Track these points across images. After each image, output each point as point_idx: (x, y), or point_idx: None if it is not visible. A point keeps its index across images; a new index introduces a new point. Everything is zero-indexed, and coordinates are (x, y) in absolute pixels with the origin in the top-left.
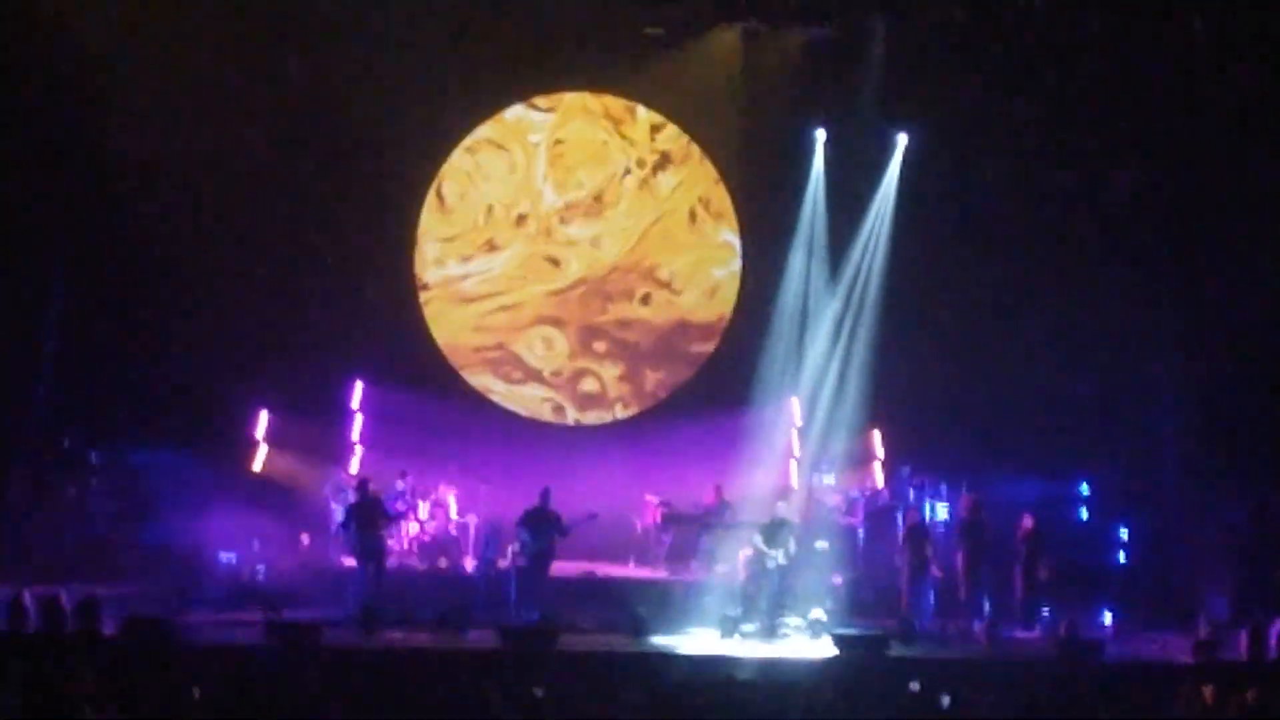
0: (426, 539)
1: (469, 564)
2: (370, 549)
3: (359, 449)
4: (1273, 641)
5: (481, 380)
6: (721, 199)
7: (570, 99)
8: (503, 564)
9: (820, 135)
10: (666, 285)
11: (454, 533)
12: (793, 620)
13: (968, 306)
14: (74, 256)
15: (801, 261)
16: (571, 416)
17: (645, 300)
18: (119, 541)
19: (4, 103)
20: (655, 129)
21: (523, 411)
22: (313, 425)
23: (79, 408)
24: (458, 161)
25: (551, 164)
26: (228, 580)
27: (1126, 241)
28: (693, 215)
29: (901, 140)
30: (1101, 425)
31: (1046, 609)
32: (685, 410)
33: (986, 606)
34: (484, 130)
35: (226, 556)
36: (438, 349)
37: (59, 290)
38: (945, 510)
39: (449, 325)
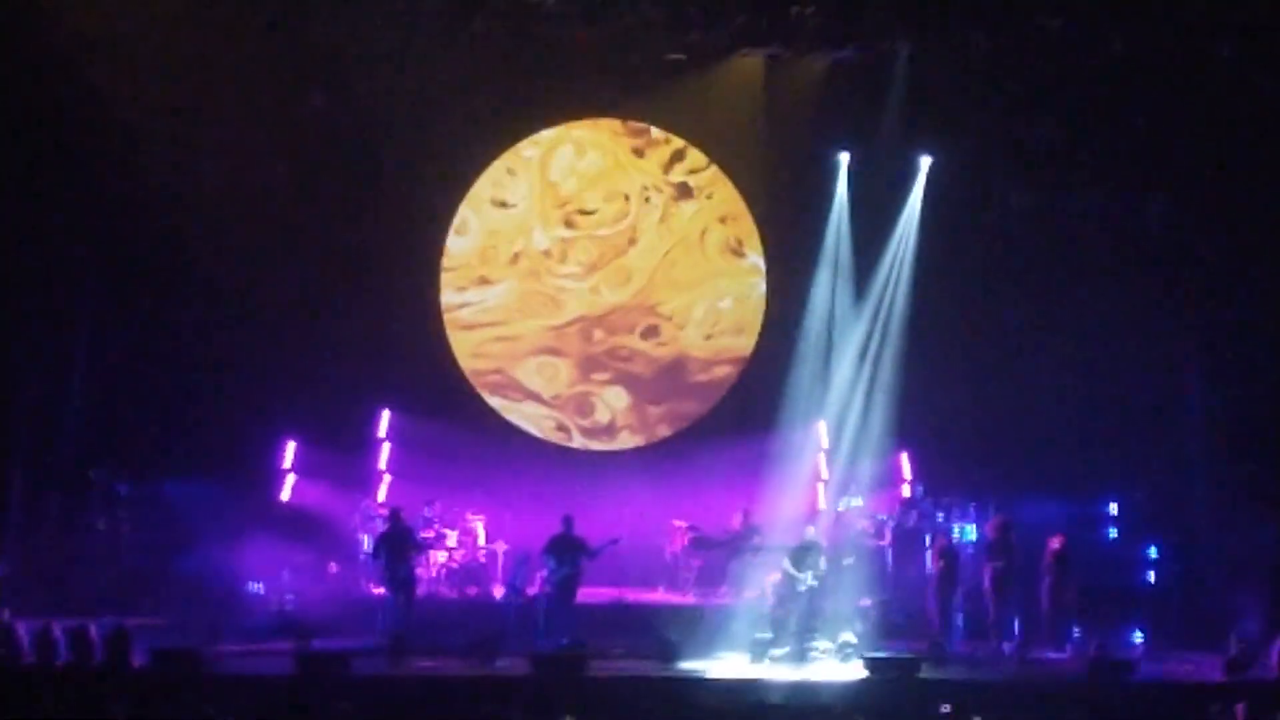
0: (455, 567)
1: (498, 591)
2: (400, 578)
3: (386, 478)
4: None
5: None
6: (744, 225)
7: (589, 134)
8: (531, 591)
9: (844, 159)
10: (670, 319)
11: (482, 560)
12: (822, 643)
13: (993, 328)
14: (102, 289)
15: (826, 285)
16: (578, 441)
17: (652, 332)
18: (148, 573)
19: (33, 136)
20: (675, 158)
21: (533, 430)
22: (340, 454)
23: (107, 440)
24: (478, 191)
25: (565, 198)
26: (257, 611)
27: (1151, 261)
28: (716, 244)
29: (925, 163)
30: (1129, 445)
31: (1076, 629)
32: (712, 435)
33: (1016, 627)
34: (504, 161)
35: (255, 587)
36: (464, 377)
37: (87, 322)
38: (974, 531)
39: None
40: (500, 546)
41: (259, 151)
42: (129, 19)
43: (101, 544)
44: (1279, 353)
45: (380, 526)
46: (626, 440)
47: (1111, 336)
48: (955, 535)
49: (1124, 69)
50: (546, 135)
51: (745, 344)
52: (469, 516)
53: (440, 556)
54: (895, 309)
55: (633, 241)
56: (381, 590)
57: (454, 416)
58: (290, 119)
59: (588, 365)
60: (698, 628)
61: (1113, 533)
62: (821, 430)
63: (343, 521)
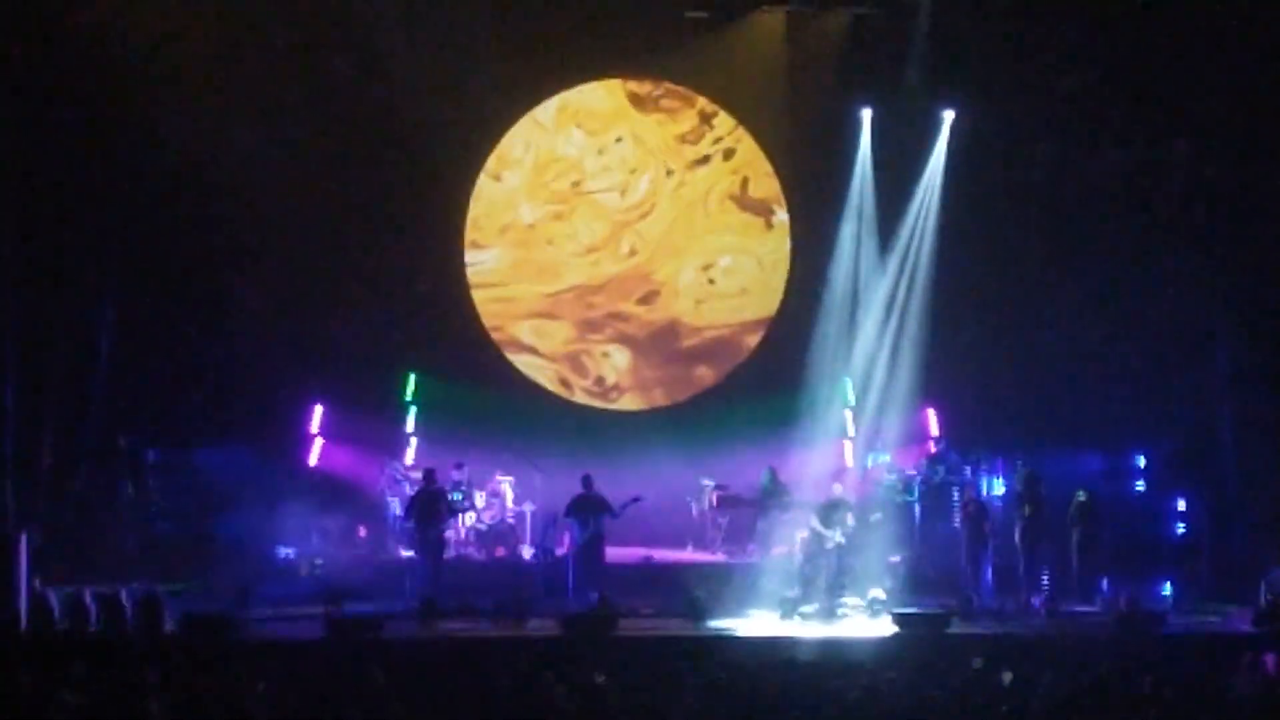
0: (484, 529)
1: (526, 552)
2: (429, 540)
3: (414, 441)
4: None
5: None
6: (767, 183)
7: (605, 100)
8: (560, 551)
9: (867, 115)
10: (687, 280)
11: (511, 521)
12: (852, 600)
13: (1019, 281)
14: (127, 256)
15: (851, 241)
16: (580, 397)
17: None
18: (178, 539)
19: (54, 106)
20: (696, 118)
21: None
22: (367, 418)
23: (136, 407)
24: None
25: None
26: (287, 575)
27: (1177, 213)
28: (736, 202)
29: (948, 117)
30: (1157, 397)
31: (1105, 583)
32: (738, 393)
33: (1045, 581)
34: (522, 130)
35: (285, 551)
36: (490, 340)
37: (114, 290)
38: (1001, 486)
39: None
40: (528, 508)
41: (280, 119)
42: None
43: (131, 511)
44: None
45: (410, 489)
46: (630, 402)
47: (1138, 288)
48: (983, 490)
49: (1147, 18)
50: (570, 99)
51: (770, 302)
52: (497, 478)
53: (469, 518)
54: (920, 264)
55: (645, 215)
56: (410, 553)
57: (481, 378)
58: (313, 85)
59: (594, 326)
60: (726, 586)
61: (1141, 485)
62: (848, 386)
63: (371, 485)
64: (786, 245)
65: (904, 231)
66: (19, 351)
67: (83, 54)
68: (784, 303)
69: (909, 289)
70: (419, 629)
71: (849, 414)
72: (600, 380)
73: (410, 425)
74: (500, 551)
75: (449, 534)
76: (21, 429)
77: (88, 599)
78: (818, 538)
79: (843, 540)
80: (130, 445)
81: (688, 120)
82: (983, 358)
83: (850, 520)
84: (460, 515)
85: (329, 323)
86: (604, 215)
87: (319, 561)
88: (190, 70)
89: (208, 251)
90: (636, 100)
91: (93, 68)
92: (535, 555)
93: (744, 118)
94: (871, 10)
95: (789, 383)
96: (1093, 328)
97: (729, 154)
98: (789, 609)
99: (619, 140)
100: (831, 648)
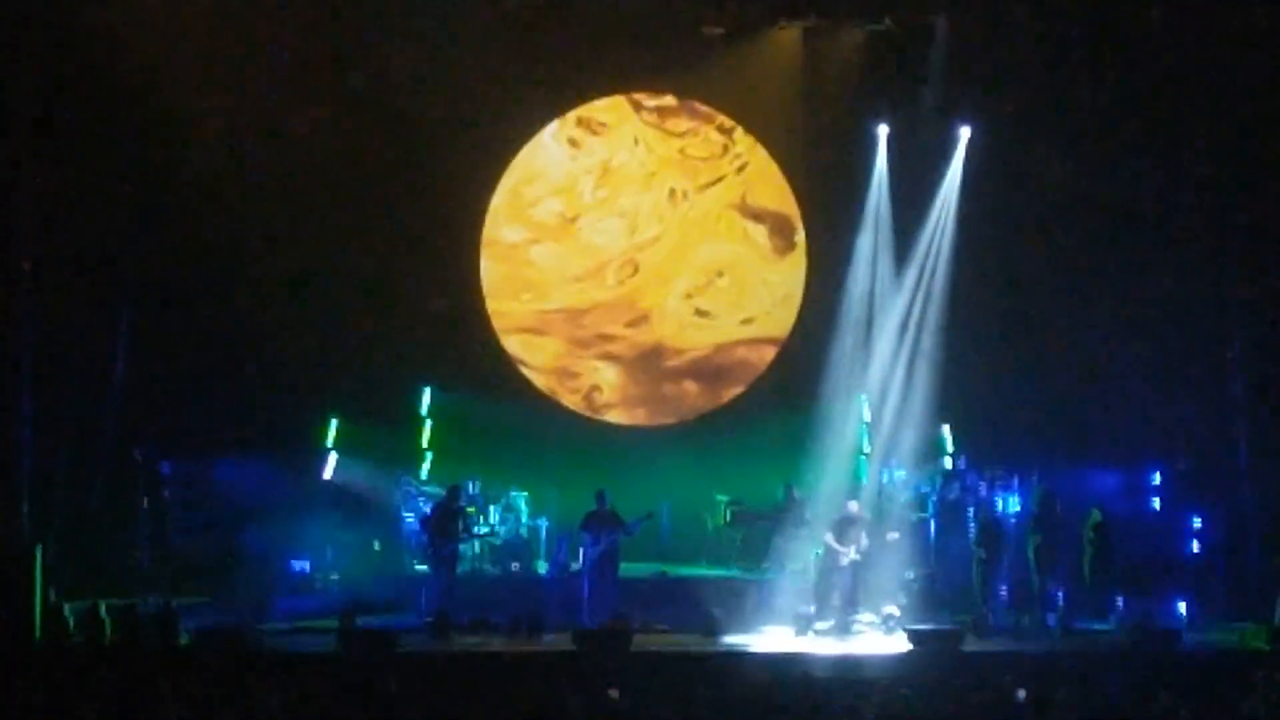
0: (498, 544)
1: (541, 568)
2: (443, 555)
3: (428, 455)
4: None
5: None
6: (783, 199)
7: (618, 118)
8: (575, 567)
9: (883, 131)
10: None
11: (525, 536)
12: (866, 617)
13: (1035, 298)
14: (143, 269)
15: (867, 257)
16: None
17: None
18: (193, 552)
19: (69, 120)
20: (710, 133)
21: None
22: (382, 432)
23: (151, 420)
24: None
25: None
26: (302, 589)
27: (1194, 229)
28: (747, 219)
29: (965, 133)
30: (1172, 414)
31: (1120, 600)
32: (754, 409)
33: (1060, 599)
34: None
35: (300, 565)
36: (505, 354)
37: (128, 303)
38: (1016, 503)
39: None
40: (543, 523)
41: (298, 131)
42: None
43: (146, 524)
44: None
45: (425, 503)
46: (617, 416)
47: (1154, 305)
48: (998, 507)
49: (1163, 35)
50: (580, 119)
51: (779, 319)
52: (512, 493)
53: (486, 534)
54: (936, 280)
55: (641, 248)
56: (425, 567)
57: (497, 393)
58: (328, 100)
59: (583, 343)
60: (741, 602)
61: (1156, 502)
62: (863, 403)
63: (385, 499)
64: (801, 262)
65: (920, 248)
66: (35, 364)
67: (98, 67)
68: (799, 319)
69: (925, 305)
70: (433, 643)
71: (864, 430)
72: (590, 396)
73: (425, 439)
74: (515, 566)
75: (464, 549)
76: (37, 442)
77: (103, 612)
78: (832, 554)
79: (857, 557)
80: (145, 458)
81: (700, 136)
82: (998, 374)
83: (865, 538)
84: (474, 537)
85: (344, 336)
86: (594, 249)
87: (334, 575)
88: (206, 85)
89: (223, 265)
90: (645, 115)
91: (109, 81)
92: (550, 570)
93: (760, 134)
94: (888, 27)
95: (805, 399)
96: (1108, 344)
97: (742, 169)
98: (804, 625)
99: (617, 163)
100: (846, 664)
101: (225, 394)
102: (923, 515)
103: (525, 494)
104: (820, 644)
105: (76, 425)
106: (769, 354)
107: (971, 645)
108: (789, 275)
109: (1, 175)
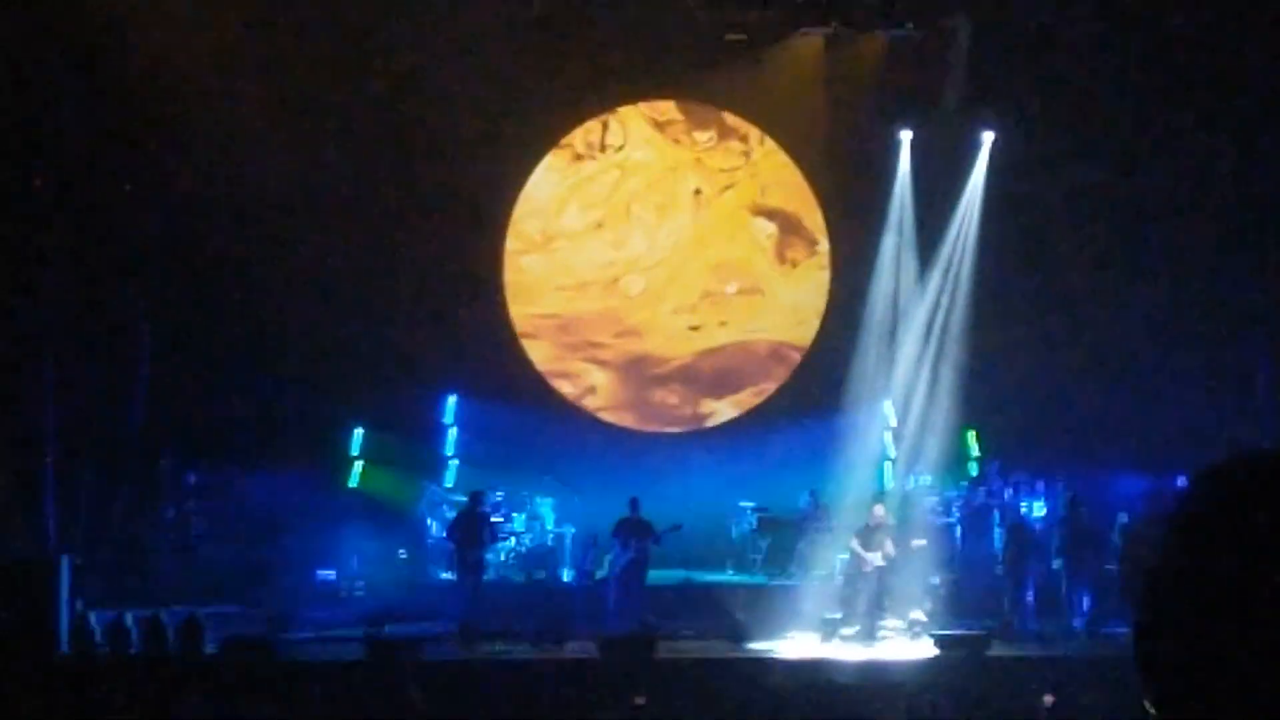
0: (523, 551)
1: (566, 575)
2: (469, 562)
3: (453, 463)
4: None
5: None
6: (807, 205)
7: (640, 130)
8: (600, 574)
9: (906, 137)
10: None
11: (551, 544)
12: (892, 622)
13: (1059, 303)
14: (166, 278)
15: (891, 263)
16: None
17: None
18: (219, 562)
19: (91, 128)
20: (731, 138)
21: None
22: (407, 440)
23: (176, 429)
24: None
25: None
26: (327, 597)
27: (1218, 233)
28: (768, 226)
29: (988, 138)
30: (1200, 418)
31: None
32: (779, 415)
33: (1086, 604)
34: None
35: (325, 574)
36: (529, 361)
37: (152, 312)
38: (1042, 508)
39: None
40: (568, 530)
41: (318, 141)
42: (186, 12)
43: (172, 533)
44: None
45: (449, 511)
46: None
47: (1179, 309)
48: (1025, 511)
49: (1185, 40)
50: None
51: (808, 325)
52: (537, 500)
53: (509, 541)
54: (960, 284)
55: (675, 244)
56: (451, 575)
57: (522, 400)
58: (351, 106)
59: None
60: (766, 608)
61: None
62: (888, 408)
63: (410, 507)
64: (824, 267)
65: (944, 253)
66: (59, 373)
67: (120, 75)
68: (823, 325)
69: (949, 310)
70: (459, 651)
71: (889, 436)
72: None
73: (450, 447)
74: (540, 574)
75: (489, 556)
76: (62, 451)
77: (129, 622)
78: (858, 560)
79: (884, 563)
80: (171, 468)
81: (719, 144)
82: (1023, 379)
83: (891, 545)
84: (501, 541)
85: (369, 345)
86: (609, 254)
87: (359, 584)
88: (228, 91)
89: (247, 273)
90: (663, 123)
91: (131, 89)
92: (575, 578)
93: (782, 140)
94: (910, 33)
95: (829, 405)
96: (1134, 349)
97: (761, 175)
98: (829, 631)
99: (636, 169)
100: (871, 670)
101: (250, 403)
102: (948, 520)
103: (550, 501)
104: (846, 649)
105: (102, 435)
106: (793, 360)
107: (997, 650)
108: (812, 281)
109: (25, 185)
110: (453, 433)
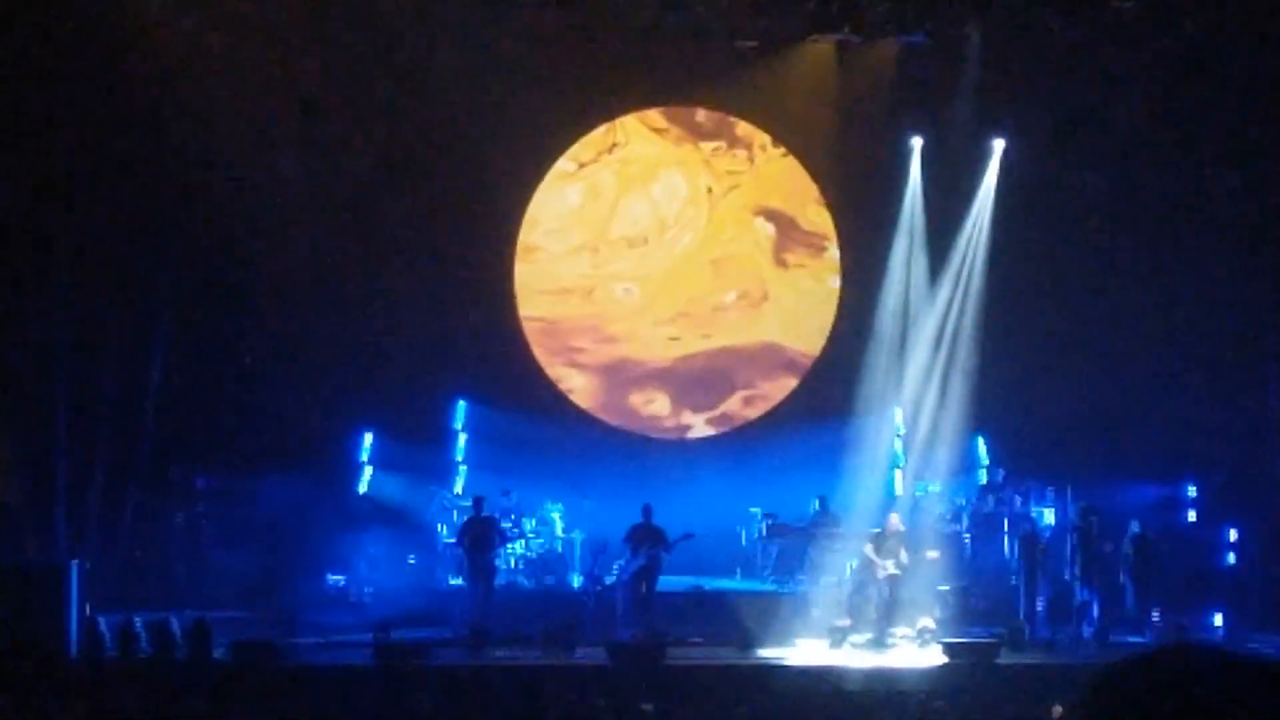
0: (533, 557)
1: (576, 581)
2: (480, 567)
3: (463, 468)
4: None
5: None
6: (818, 213)
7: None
8: (609, 580)
9: (917, 144)
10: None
11: (560, 550)
12: (901, 630)
13: (1069, 311)
14: (177, 284)
15: (901, 269)
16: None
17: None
18: (228, 566)
19: (105, 140)
20: (740, 146)
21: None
22: (417, 446)
23: (186, 435)
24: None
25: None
26: (336, 602)
27: (1227, 242)
28: (779, 233)
29: (998, 146)
30: (1208, 427)
31: (1157, 613)
32: (789, 422)
33: (1096, 612)
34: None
35: (334, 579)
36: (539, 366)
37: (164, 318)
38: (1051, 516)
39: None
40: (578, 536)
41: (330, 148)
42: (200, 15)
43: (181, 538)
44: None
45: (459, 516)
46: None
47: (1188, 318)
48: (1035, 519)
49: (1195, 49)
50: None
51: (818, 332)
52: (546, 506)
53: (518, 547)
54: (970, 292)
55: (686, 247)
56: (459, 581)
57: (531, 406)
58: (360, 112)
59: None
60: (775, 615)
61: (1192, 515)
62: (898, 415)
63: (420, 513)
64: (834, 274)
65: (954, 260)
66: (70, 379)
67: (131, 81)
68: (833, 333)
69: (959, 317)
70: (468, 656)
71: (899, 443)
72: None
73: (460, 453)
74: (549, 580)
75: (498, 562)
76: (72, 456)
77: (138, 626)
78: (871, 567)
79: (897, 571)
80: (181, 473)
81: (728, 150)
82: (1033, 387)
83: (904, 554)
84: (511, 543)
85: (379, 351)
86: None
87: (368, 589)
88: (239, 97)
89: (257, 280)
90: (670, 133)
91: (141, 95)
92: (585, 584)
93: (793, 147)
94: (921, 40)
95: (839, 412)
96: (1143, 357)
97: (770, 181)
98: (839, 638)
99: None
100: (880, 677)
101: (260, 409)
102: (957, 528)
103: (560, 507)
104: (855, 657)
105: (112, 440)
106: (802, 368)
107: (1006, 658)
108: (820, 287)
109: (38, 191)
110: (462, 438)
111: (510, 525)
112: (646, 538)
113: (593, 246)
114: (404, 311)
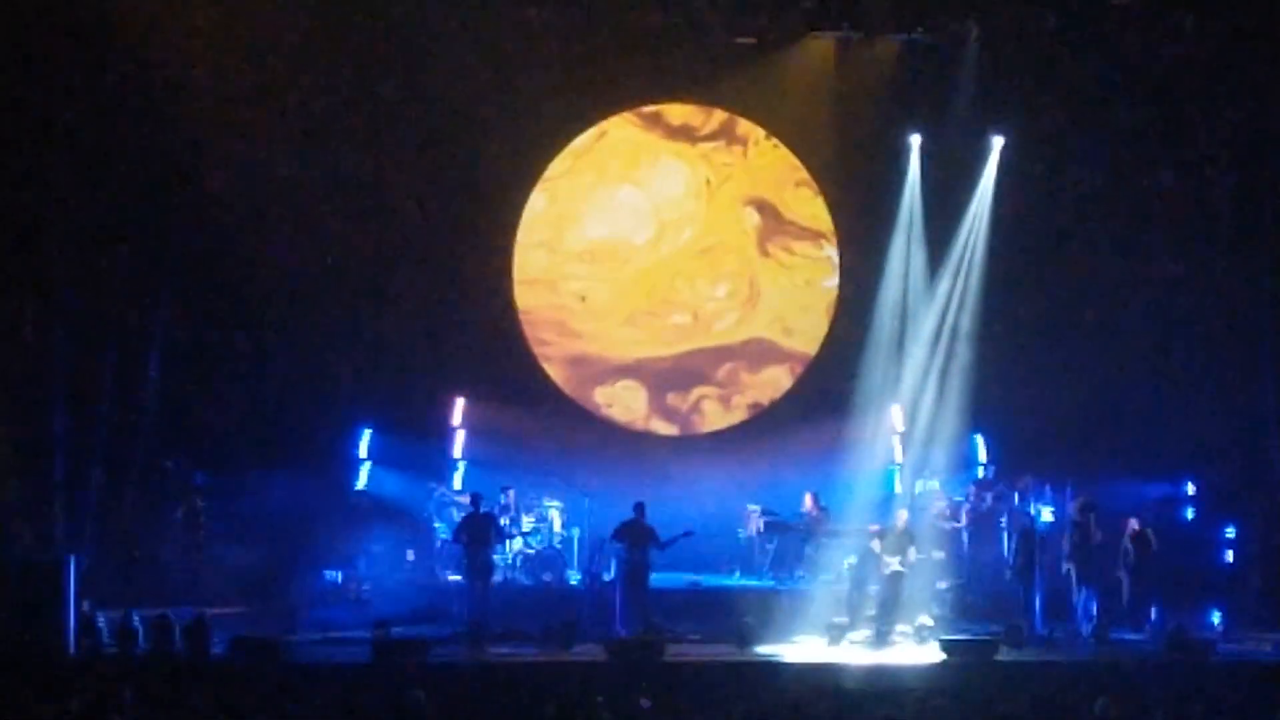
0: (531, 553)
1: (574, 578)
2: (479, 564)
3: (461, 465)
4: None
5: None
6: (816, 210)
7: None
8: (607, 577)
9: (915, 141)
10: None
11: (558, 547)
12: (900, 627)
13: (1067, 308)
14: (176, 280)
15: (899, 267)
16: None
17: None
18: (225, 562)
19: (104, 133)
20: (734, 141)
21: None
22: (415, 442)
23: (184, 431)
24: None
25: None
26: (334, 599)
27: (1225, 240)
28: (776, 233)
29: (997, 143)
30: (1206, 425)
31: (1155, 610)
32: (786, 419)
33: (1094, 609)
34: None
35: (333, 575)
36: (537, 364)
37: (162, 314)
38: (1050, 513)
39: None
40: (576, 533)
41: (329, 144)
42: (201, 15)
43: (179, 534)
44: None
45: (458, 513)
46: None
47: (1187, 316)
48: (1033, 516)
49: (1194, 47)
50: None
51: (816, 330)
52: (545, 502)
53: (516, 544)
54: (969, 290)
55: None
56: (458, 577)
57: (528, 403)
58: (359, 112)
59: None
60: (773, 612)
61: (1190, 513)
62: (896, 413)
63: (419, 509)
64: (832, 272)
65: (953, 257)
66: (68, 375)
67: (130, 84)
68: (831, 330)
69: (958, 315)
70: (466, 653)
71: (897, 440)
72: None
73: (458, 449)
74: (547, 577)
75: (496, 559)
76: (70, 452)
77: (136, 622)
78: (875, 563)
79: (902, 569)
80: (179, 468)
81: (726, 147)
82: (1032, 384)
83: (912, 554)
84: (509, 540)
85: (377, 346)
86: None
87: (366, 585)
88: (238, 98)
89: (255, 276)
90: (668, 129)
91: (141, 97)
92: (583, 581)
93: (792, 144)
94: (920, 37)
95: (837, 409)
96: (1142, 355)
97: (767, 178)
98: (837, 635)
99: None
100: (879, 674)
101: (258, 404)
102: (955, 525)
103: (558, 504)
104: (853, 654)
105: (110, 435)
106: (798, 366)
107: (1005, 655)
108: (819, 286)
109: (37, 188)
110: (461, 435)
111: (509, 523)
112: (635, 535)
113: (588, 241)
114: (403, 308)
